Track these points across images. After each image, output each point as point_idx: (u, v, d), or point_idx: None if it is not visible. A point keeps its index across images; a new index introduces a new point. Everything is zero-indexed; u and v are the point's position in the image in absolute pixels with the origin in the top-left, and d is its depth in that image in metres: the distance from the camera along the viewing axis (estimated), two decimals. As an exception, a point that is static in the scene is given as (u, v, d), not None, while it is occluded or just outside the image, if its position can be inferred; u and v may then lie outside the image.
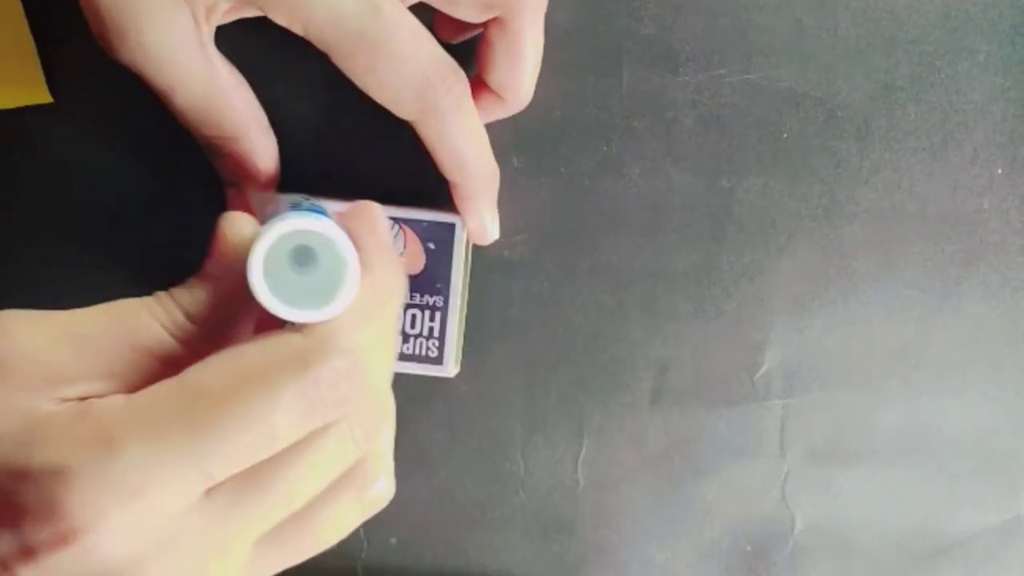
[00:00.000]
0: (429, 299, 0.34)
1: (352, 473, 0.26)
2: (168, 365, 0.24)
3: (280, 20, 0.30)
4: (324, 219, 0.25)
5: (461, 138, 0.32)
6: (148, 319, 0.24)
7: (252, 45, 0.34)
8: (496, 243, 0.38)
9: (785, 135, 0.38)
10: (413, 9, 0.32)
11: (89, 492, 0.21)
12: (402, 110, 0.32)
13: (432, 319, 0.34)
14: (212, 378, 0.23)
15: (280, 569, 0.26)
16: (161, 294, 0.25)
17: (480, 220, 0.35)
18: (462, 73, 0.32)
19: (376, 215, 0.29)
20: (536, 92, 0.37)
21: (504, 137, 0.38)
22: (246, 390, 0.22)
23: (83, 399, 0.23)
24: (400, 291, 0.28)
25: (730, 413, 0.38)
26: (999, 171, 0.39)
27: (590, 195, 0.38)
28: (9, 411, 0.22)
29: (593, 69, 0.38)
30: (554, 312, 0.38)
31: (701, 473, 0.38)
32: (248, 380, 0.23)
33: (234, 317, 0.26)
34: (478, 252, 0.38)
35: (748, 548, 0.38)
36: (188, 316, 0.25)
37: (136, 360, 0.24)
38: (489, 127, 0.35)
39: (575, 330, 0.38)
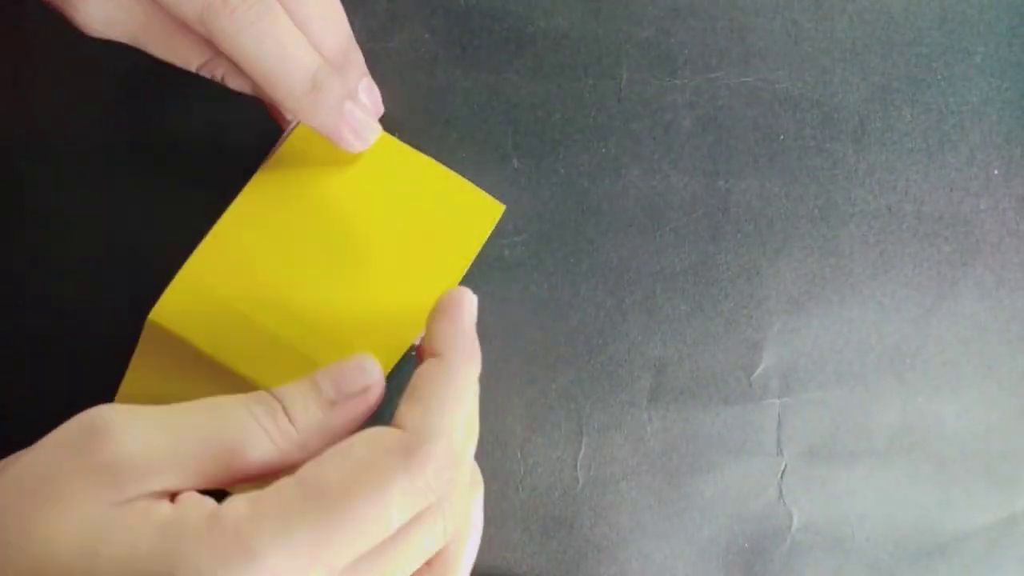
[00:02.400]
0: None
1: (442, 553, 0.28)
2: (259, 467, 0.26)
3: None
4: None
5: (258, 58, 0.30)
6: (250, 422, 0.25)
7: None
8: (496, 243, 0.38)
9: (782, 137, 0.39)
10: None
11: None
12: (196, 31, 0.30)
13: None
14: (329, 476, 0.24)
15: None
16: (267, 398, 0.26)
17: (322, 127, 0.32)
18: None
19: (456, 307, 0.29)
20: (536, 94, 0.37)
21: (503, 139, 0.38)
22: (361, 486, 0.24)
23: (174, 493, 0.24)
24: (475, 375, 0.29)
25: (727, 412, 0.39)
26: (995, 172, 0.39)
27: (589, 196, 0.38)
28: (138, 523, 0.23)
29: (592, 72, 0.38)
30: (554, 312, 0.38)
31: (699, 471, 0.39)
32: (361, 475, 0.24)
33: (342, 435, 0.27)
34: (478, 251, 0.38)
35: (746, 545, 0.39)
36: (295, 425, 0.26)
37: (226, 459, 0.25)
38: (489, 129, 0.35)
39: (574, 330, 0.38)
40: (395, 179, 0.34)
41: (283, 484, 0.24)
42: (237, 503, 0.24)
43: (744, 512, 0.39)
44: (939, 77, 0.39)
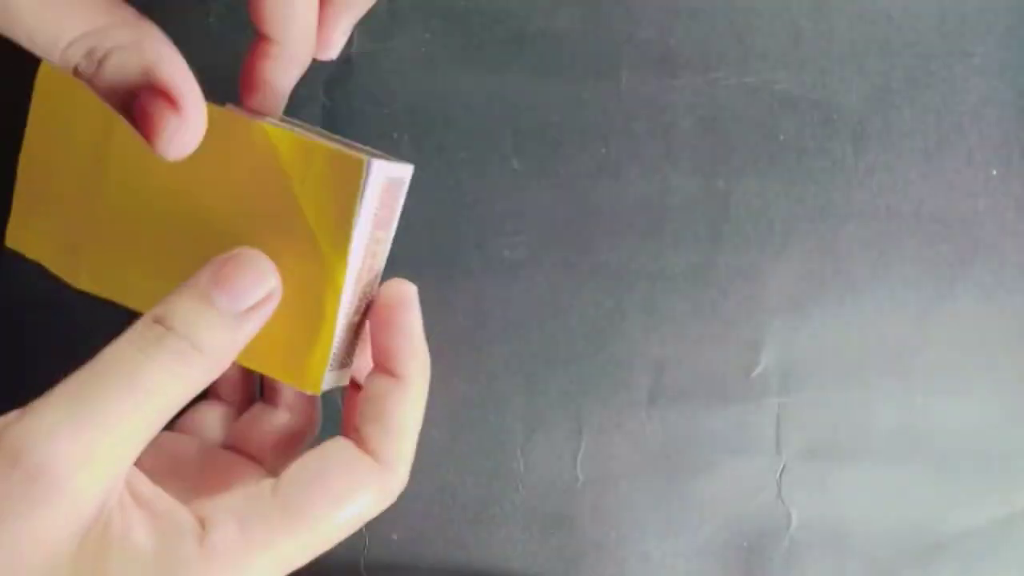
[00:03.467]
0: None
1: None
2: (183, 404, 0.26)
3: None
4: None
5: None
6: (166, 379, 0.25)
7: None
8: (496, 243, 0.38)
9: (781, 137, 0.39)
10: None
11: None
12: None
13: None
14: (314, 502, 0.27)
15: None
16: (171, 339, 0.25)
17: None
18: None
19: (404, 313, 0.30)
20: (536, 95, 0.37)
21: (504, 140, 0.38)
22: (343, 513, 0.27)
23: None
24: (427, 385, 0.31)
25: (727, 411, 0.39)
26: (994, 172, 0.39)
27: (589, 197, 0.38)
28: (128, 557, 0.25)
29: (592, 72, 0.38)
30: (554, 312, 0.39)
31: (698, 470, 0.39)
32: (341, 503, 0.27)
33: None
34: (478, 252, 0.38)
35: (744, 544, 0.39)
36: (204, 355, 0.26)
37: (160, 422, 0.26)
38: (489, 129, 0.35)
39: (574, 330, 0.39)
40: (243, 156, 0.28)
41: (268, 509, 0.26)
42: (227, 529, 0.25)
43: (743, 511, 0.39)
44: (938, 78, 0.39)
